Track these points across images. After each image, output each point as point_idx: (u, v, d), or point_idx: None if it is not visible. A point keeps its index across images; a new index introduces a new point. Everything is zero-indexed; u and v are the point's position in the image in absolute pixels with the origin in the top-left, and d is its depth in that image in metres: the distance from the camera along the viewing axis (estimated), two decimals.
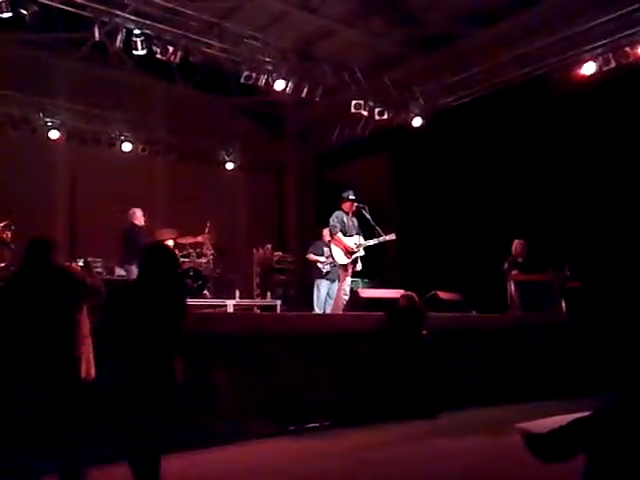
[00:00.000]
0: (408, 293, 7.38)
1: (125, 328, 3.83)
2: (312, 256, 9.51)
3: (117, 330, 3.87)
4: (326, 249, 9.35)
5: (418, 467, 4.83)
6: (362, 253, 8.46)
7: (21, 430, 4.01)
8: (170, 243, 9.93)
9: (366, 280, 10.12)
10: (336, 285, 9.17)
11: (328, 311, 8.84)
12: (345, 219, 8.60)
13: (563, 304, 8.90)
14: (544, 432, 2.45)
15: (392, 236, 8.48)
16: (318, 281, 9.27)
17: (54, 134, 11.05)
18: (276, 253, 11.51)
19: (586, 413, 2.34)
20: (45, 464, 4.09)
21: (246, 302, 10.09)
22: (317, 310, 8.96)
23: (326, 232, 9.55)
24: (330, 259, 9.11)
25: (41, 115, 10.92)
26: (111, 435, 4.95)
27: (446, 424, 6.45)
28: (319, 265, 9.30)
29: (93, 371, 4.26)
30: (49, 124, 10.99)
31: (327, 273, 9.21)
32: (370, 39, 10.43)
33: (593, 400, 2.40)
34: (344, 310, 8.22)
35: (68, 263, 6.28)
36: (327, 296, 9.18)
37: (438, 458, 5.12)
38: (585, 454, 2.29)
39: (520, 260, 9.20)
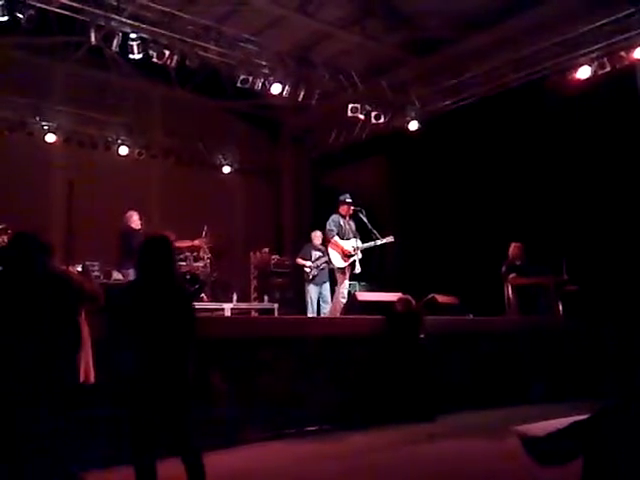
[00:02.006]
0: (404, 297, 7.38)
1: (133, 327, 3.74)
2: (300, 260, 9.52)
3: (125, 329, 3.78)
4: (315, 253, 9.38)
5: (417, 470, 4.84)
6: (360, 256, 8.48)
7: (17, 433, 4.00)
8: None
9: (364, 283, 10.13)
10: (325, 288, 9.21)
11: (324, 314, 8.88)
12: (342, 222, 8.63)
13: (560, 307, 8.91)
14: (542, 435, 2.46)
15: (390, 238, 8.51)
16: (307, 286, 9.29)
17: (51, 137, 11.03)
18: (273, 256, 11.50)
19: (584, 416, 2.35)
20: (41, 468, 4.09)
21: (243, 306, 10.08)
22: (310, 314, 8.97)
23: (314, 235, 9.59)
24: (317, 263, 9.16)
25: (38, 119, 10.90)
26: (108, 439, 4.97)
27: (444, 427, 6.45)
28: (306, 269, 9.33)
29: (92, 375, 4.27)
30: (46, 127, 10.97)
31: (315, 277, 9.24)
32: (367, 43, 10.44)
33: (591, 403, 2.41)
34: (342, 313, 8.23)
35: (65, 267, 6.27)
36: (319, 299, 9.19)
37: (437, 461, 5.12)
38: (583, 457, 2.29)
39: (517, 263, 9.22)
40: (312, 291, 9.20)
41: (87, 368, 4.22)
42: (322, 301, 9.19)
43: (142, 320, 3.69)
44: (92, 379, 4.26)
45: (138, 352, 3.69)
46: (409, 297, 7.37)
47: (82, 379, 4.17)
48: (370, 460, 5.13)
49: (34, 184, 10.69)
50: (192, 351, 3.75)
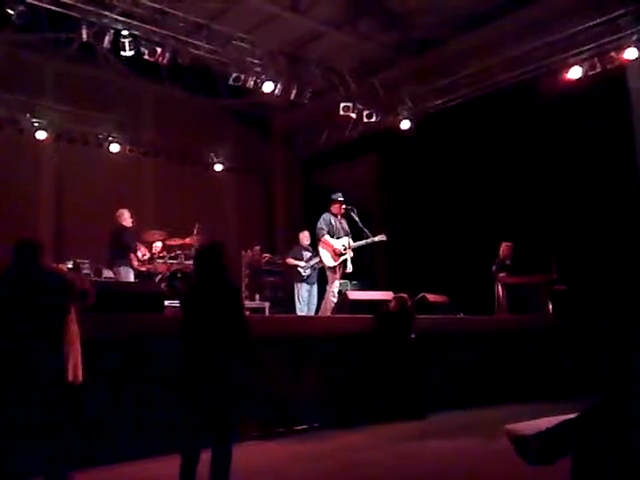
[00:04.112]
0: (399, 295, 7.39)
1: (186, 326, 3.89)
2: (292, 260, 9.63)
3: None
4: (305, 253, 9.52)
5: (407, 468, 4.85)
6: (351, 255, 8.48)
7: (6, 432, 3.98)
8: (158, 244, 9.92)
9: (355, 282, 10.13)
10: (316, 288, 9.30)
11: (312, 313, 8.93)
12: (333, 221, 8.62)
13: (550, 306, 8.96)
14: (531, 434, 2.47)
15: (382, 237, 8.52)
16: (298, 285, 9.39)
17: (41, 134, 10.97)
18: (265, 255, 11.47)
19: (573, 415, 2.36)
20: (30, 466, 4.07)
21: None
22: (299, 314, 9.02)
23: (302, 236, 9.66)
24: (310, 263, 9.29)
25: (28, 115, 10.83)
26: (96, 438, 4.95)
27: (435, 425, 6.47)
28: (299, 269, 9.42)
29: (80, 374, 4.24)
30: (36, 124, 10.90)
31: (307, 277, 9.35)
32: (359, 42, 10.46)
33: (580, 402, 2.42)
34: (332, 312, 8.23)
35: (56, 265, 6.25)
36: (308, 299, 9.30)
37: (427, 459, 5.13)
38: (572, 456, 2.30)
39: (507, 262, 9.26)
40: (303, 290, 9.31)
41: (75, 367, 4.19)
42: (311, 301, 9.33)
43: (191, 317, 3.90)
44: (80, 378, 4.24)
45: (186, 346, 3.86)
46: (404, 295, 7.38)
47: (70, 378, 4.14)
48: (359, 459, 5.14)
49: (25, 181, 10.64)
50: (242, 350, 3.84)
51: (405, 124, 11.33)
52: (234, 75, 9.94)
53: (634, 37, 8.79)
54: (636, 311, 7.29)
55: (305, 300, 9.28)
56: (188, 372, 3.83)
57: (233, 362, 3.80)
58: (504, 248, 9.32)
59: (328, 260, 8.51)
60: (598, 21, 8.96)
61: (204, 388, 3.76)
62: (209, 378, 3.75)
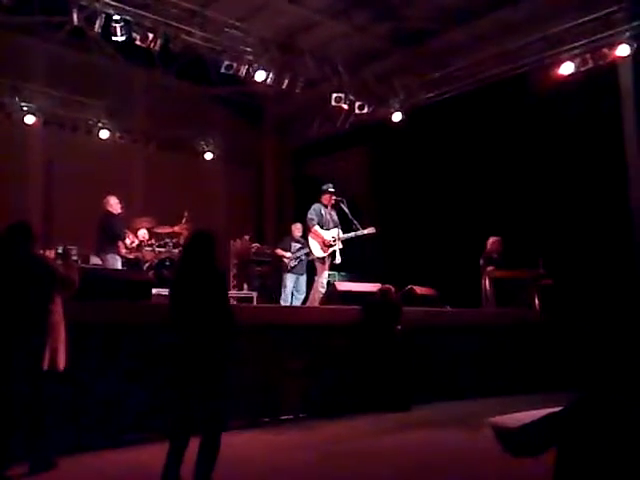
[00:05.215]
0: (384, 287, 7.42)
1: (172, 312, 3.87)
2: (279, 251, 9.79)
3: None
4: (294, 244, 9.62)
5: (391, 460, 4.87)
6: (340, 246, 8.49)
7: None
8: (146, 232, 9.87)
9: (343, 273, 10.16)
10: (303, 279, 9.42)
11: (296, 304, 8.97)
12: (323, 212, 8.62)
13: (537, 301, 9.01)
14: (515, 426, 2.48)
15: (371, 229, 8.54)
16: (284, 275, 9.52)
17: (30, 119, 10.86)
18: (254, 244, 11.45)
19: (557, 408, 2.38)
20: (15, 452, 4.06)
21: None
22: (284, 304, 9.06)
23: (294, 228, 9.74)
24: (296, 254, 9.40)
25: (17, 99, 10.72)
26: (81, 425, 4.94)
27: (420, 417, 6.51)
28: (285, 260, 9.54)
29: (61, 362, 4.19)
30: (25, 109, 10.79)
31: (293, 268, 9.46)
32: (353, 32, 10.41)
33: (565, 395, 2.44)
34: (320, 303, 8.24)
35: (43, 251, 6.21)
36: (294, 290, 9.39)
37: (410, 451, 5.16)
38: (556, 449, 2.32)
39: (495, 257, 9.29)
40: (289, 280, 9.42)
41: (55, 355, 4.15)
42: (295, 291, 9.42)
43: (177, 305, 3.86)
44: (61, 366, 4.19)
45: (174, 334, 3.83)
46: (389, 287, 7.40)
47: (47, 366, 4.09)
48: (342, 449, 5.15)
49: (12, 166, 10.53)
50: (227, 339, 3.79)
51: (397, 116, 11.32)
52: (226, 63, 9.88)
53: (626, 34, 8.82)
54: (623, 308, 7.36)
55: (290, 291, 9.35)
56: (176, 360, 3.79)
57: (220, 351, 3.75)
58: (492, 242, 9.36)
59: (317, 251, 8.52)
60: (591, 17, 8.98)
61: (193, 377, 3.72)
62: (198, 367, 3.70)
